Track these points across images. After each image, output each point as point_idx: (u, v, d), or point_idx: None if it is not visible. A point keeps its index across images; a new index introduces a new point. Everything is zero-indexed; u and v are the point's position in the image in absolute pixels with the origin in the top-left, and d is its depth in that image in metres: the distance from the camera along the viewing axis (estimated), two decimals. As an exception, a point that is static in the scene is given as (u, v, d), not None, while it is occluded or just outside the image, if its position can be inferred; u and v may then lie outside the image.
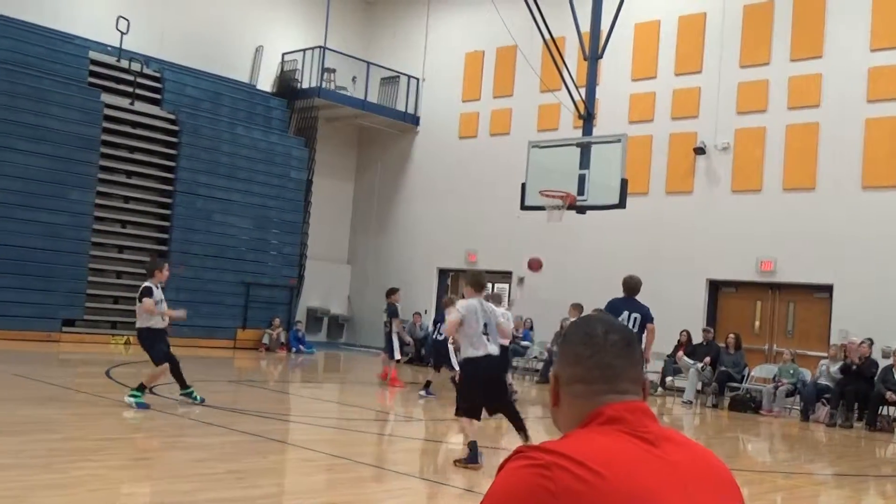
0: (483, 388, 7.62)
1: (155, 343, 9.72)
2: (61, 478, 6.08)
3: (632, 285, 11.23)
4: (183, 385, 9.96)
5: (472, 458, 7.40)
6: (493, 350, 7.60)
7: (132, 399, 9.41)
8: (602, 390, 1.64)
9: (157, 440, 8.19)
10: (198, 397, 9.99)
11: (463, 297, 8.16)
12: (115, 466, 6.70)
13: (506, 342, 7.36)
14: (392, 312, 14.68)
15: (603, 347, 1.67)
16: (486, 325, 7.60)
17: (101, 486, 5.97)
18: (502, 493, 1.48)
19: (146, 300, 9.59)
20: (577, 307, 14.71)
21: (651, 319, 11.13)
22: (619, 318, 10.49)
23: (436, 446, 9.72)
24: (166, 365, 9.69)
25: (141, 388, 9.56)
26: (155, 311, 9.64)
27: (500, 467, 1.54)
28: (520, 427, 7.92)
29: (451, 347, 14.52)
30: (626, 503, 1.44)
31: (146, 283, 9.79)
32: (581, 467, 1.45)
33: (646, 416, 1.61)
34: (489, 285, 14.37)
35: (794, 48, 17.18)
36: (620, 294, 11.47)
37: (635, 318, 11.01)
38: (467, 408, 7.52)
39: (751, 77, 17.67)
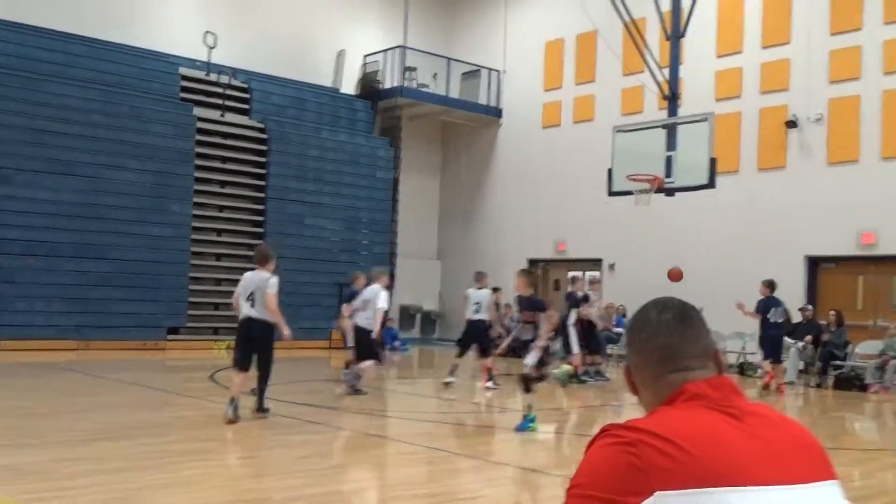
0: (244, 344, 9.11)
1: None
2: (174, 477, 6.36)
3: (773, 285, 14.31)
4: None
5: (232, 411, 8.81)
6: (251, 313, 9.01)
7: None
8: (665, 370, 1.66)
9: (262, 439, 8.46)
10: None
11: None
12: (226, 465, 6.97)
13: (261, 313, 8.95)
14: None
15: (657, 329, 1.69)
16: (252, 294, 9.00)
17: (217, 484, 6.23)
18: (591, 473, 1.51)
19: None
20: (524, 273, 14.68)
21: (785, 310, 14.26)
22: (769, 314, 13.98)
23: (532, 436, 9.76)
24: None
25: None
26: None
27: (588, 446, 1.57)
28: (260, 390, 9.18)
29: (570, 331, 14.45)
30: (714, 478, 1.44)
31: None
32: (667, 443, 1.46)
33: (731, 392, 1.61)
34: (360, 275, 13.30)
35: (886, 10, 16.52)
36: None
37: (779, 311, 14.01)
38: (235, 359, 9.18)
39: (842, 44, 17.07)
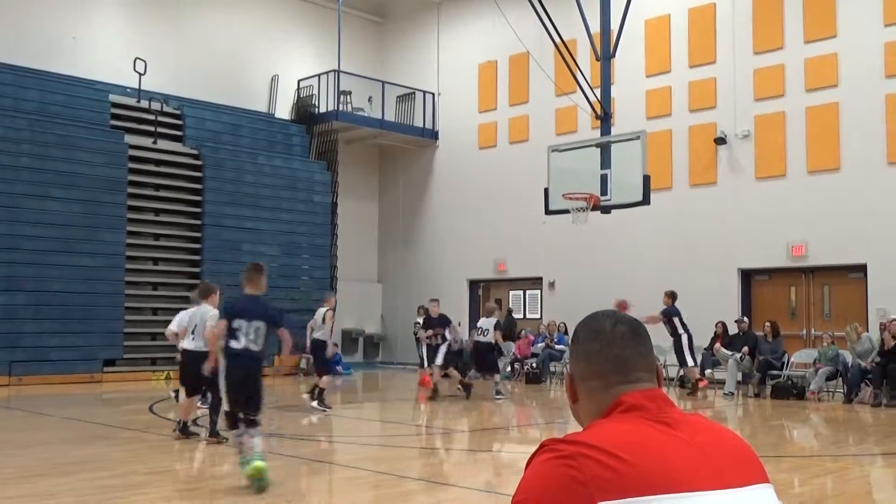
0: (185, 374, 9.69)
1: None
2: (115, 513, 6.21)
3: (675, 295, 15.87)
4: None
5: (184, 429, 9.60)
6: (188, 346, 9.65)
7: None
8: (616, 381, 1.68)
9: (206, 470, 8.31)
10: None
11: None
12: (167, 498, 6.82)
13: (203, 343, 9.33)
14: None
15: (612, 340, 1.71)
16: (195, 327, 9.55)
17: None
18: (532, 488, 1.51)
19: None
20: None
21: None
22: (675, 320, 15.47)
23: (480, 455, 9.77)
24: None
25: None
26: None
27: (528, 463, 1.58)
28: (211, 416, 9.42)
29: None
30: (653, 486, 1.47)
31: None
32: (606, 454, 1.49)
33: (665, 403, 1.66)
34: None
35: (807, 30, 17.10)
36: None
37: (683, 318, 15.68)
38: (188, 388, 9.75)
39: (766, 63, 17.61)
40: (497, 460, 9.57)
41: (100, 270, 18.18)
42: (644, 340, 1.74)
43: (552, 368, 18.84)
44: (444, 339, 15.44)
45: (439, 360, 15.24)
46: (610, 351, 1.70)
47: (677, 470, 1.51)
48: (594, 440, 1.52)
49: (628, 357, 1.70)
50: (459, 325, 21.45)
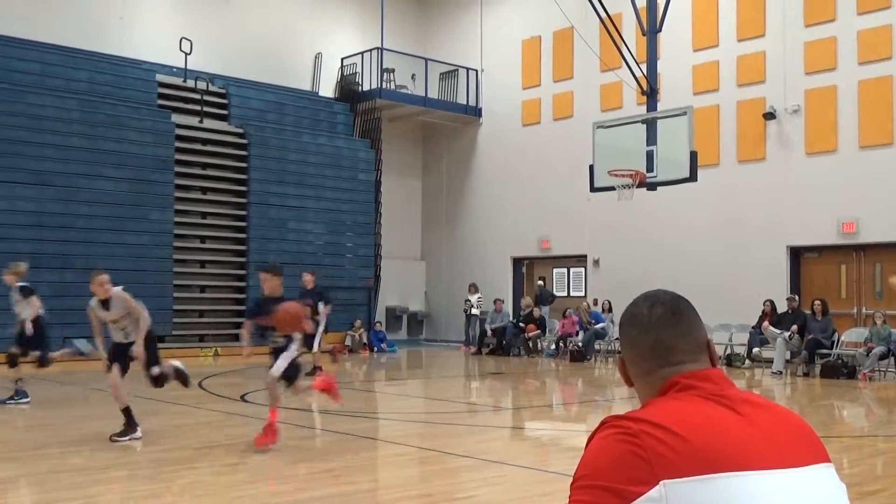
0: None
1: None
2: (167, 487, 6.33)
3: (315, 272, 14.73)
4: None
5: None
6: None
7: None
8: (658, 365, 1.69)
9: (252, 446, 8.43)
10: None
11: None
12: (216, 472, 6.93)
13: None
14: None
15: (648, 325, 1.72)
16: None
17: (205, 492, 6.19)
18: (595, 464, 1.52)
19: None
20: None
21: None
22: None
23: (527, 433, 9.78)
24: None
25: None
26: None
27: (590, 439, 1.59)
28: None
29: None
30: (716, 464, 1.47)
31: None
32: (668, 433, 1.49)
33: (721, 382, 1.66)
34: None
35: (860, 0, 16.67)
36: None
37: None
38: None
39: (817, 35, 17.22)
40: (543, 438, 9.57)
41: (148, 248, 18.48)
42: (684, 319, 1.73)
43: (597, 346, 18.76)
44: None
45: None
46: (647, 337, 1.71)
47: (738, 449, 1.51)
48: (657, 418, 1.53)
49: (666, 340, 1.70)
50: (503, 302, 21.44)
